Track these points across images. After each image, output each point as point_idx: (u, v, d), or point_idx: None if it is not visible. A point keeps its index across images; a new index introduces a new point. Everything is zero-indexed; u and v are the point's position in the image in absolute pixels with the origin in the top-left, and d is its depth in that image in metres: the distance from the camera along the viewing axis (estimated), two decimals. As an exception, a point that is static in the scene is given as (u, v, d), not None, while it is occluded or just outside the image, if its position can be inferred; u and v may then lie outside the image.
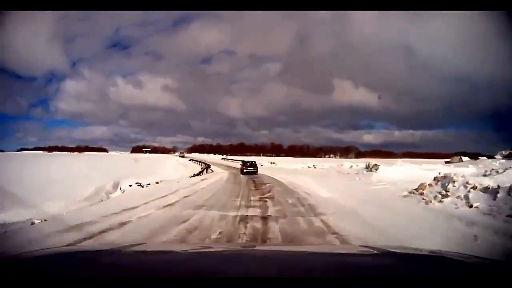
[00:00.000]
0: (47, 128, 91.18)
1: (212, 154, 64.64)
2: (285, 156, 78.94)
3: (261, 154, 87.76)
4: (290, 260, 1.36)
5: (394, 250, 1.59)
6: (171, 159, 35.97)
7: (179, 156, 57.02)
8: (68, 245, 3.82)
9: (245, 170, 21.27)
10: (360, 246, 2.73)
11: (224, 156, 55.39)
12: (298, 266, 1.18)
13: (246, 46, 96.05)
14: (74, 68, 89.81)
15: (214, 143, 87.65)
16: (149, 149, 55.20)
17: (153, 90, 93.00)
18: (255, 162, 23.41)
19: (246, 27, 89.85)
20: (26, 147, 79.03)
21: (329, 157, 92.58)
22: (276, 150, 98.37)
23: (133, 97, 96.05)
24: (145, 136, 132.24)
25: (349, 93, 78.09)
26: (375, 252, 1.58)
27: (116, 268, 1.08)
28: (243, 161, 24.39)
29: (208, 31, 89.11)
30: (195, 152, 71.15)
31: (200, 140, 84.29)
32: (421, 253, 1.60)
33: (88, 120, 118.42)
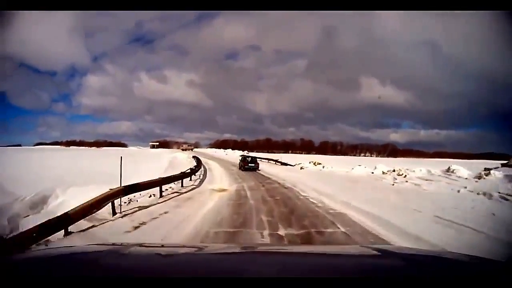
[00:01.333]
0: (71, 122, 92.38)
1: (230, 150, 57.14)
2: (316, 153, 71.61)
3: (290, 151, 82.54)
4: (290, 261, 1.39)
5: (394, 250, 1.65)
6: (168, 156, 30.09)
7: (182, 150, 51.93)
8: None
9: (245, 167, 20.10)
10: (360, 246, 2.80)
11: (245, 153, 47.36)
12: (298, 266, 1.20)
13: (271, 41, 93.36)
14: (96, 62, 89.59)
15: (239, 139, 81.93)
16: (157, 143, 50.08)
17: (178, 85, 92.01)
18: (255, 158, 22.19)
19: (271, 22, 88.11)
20: (44, 141, 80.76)
21: (364, 155, 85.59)
22: (306, 147, 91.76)
23: (158, 92, 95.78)
24: (171, 131, 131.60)
25: (376, 91, 75.64)
26: (375, 252, 1.58)
27: (116, 268, 1.08)
28: (243, 156, 22.95)
29: (232, 26, 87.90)
30: (218, 147, 64.64)
31: (227, 136, 79.17)
32: (421, 253, 1.65)
33: (113, 116, 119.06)
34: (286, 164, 22.95)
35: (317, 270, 1.09)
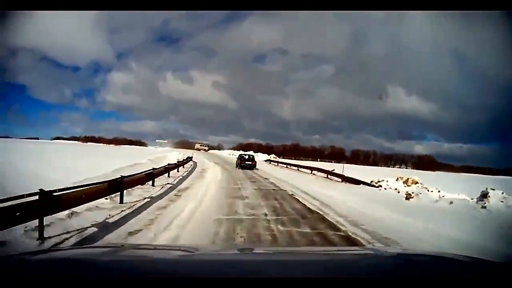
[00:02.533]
0: (94, 119, 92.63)
1: (250, 152, 48.67)
2: (346, 163, 63.60)
3: (318, 159, 74.12)
4: (290, 261, 1.38)
5: (394, 251, 1.69)
6: (161, 154, 23.71)
7: (197, 150, 46.59)
8: None
9: (242, 164, 19.81)
10: (360, 246, 2.87)
11: (272, 157, 39.92)
12: (297, 267, 1.19)
13: (299, 46, 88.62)
14: (120, 60, 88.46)
15: (264, 143, 76.42)
16: (166, 141, 45.18)
17: (203, 87, 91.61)
18: (253, 156, 22.15)
19: (299, 25, 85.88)
20: (62, 136, 77.81)
21: (399, 167, 76.70)
22: (337, 155, 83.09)
23: (183, 93, 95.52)
24: (195, 133, 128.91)
25: (401, 100, 71.53)
26: (375, 252, 1.60)
27: (116, 268, 1.08)
28: (240, 155, 22.28)
29: (260, 28, 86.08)
30: (244, 149, 58.80)
31: (251, 140, 76.01)
32: (421, 254, 1.64)
33: (137, 114, 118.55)
34: (353, 181, 12.45)
35: (317, 270, 1.10)
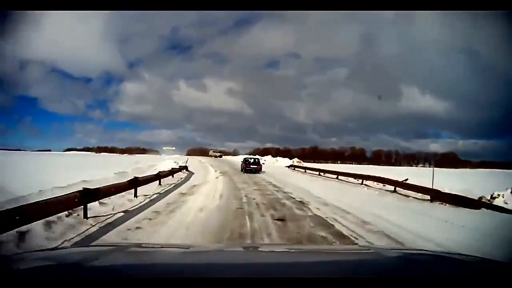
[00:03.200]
0: (108, 129, 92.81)
1: (269, 157, 43.09)
2: (368, 164, 58.77)
3: (338, 162, 70.48)
4: (290, 260, 1.39)
5: (394, 250, 1.66)
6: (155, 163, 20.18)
7: (211, 156, 43.06)
8: None
9: (247, 168, 18.78)
10: (360, 246, 2.80)
11: (296, 162, 34.27)
12: (298, 266, 1.19)
13: (311, 49, 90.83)
14: (132, 69, 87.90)
15: (282, 148, 73.79)
16: (173, 148, 42.12)
17: (217, 94, 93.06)
18: (258, 159, 20.99)
19: (310, 29, 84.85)
20: (75, 147, 76.78)
21: (422, 166, 72.34)
22: (357, 157, 78.66)
23: (197, 100, 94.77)
24: (212, 140, 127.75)
25: (416, 100, 70.97)
26: (375, 252, 1.59)
27: (116, 268, 1.08)
28: (245, 158, 20.88)
29: (271, 33, 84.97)
30: (261, 155, 54.51)
31: (268, 145, 75.13)
32: (421, 253, 1.63)
33: (152, 123, 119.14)
34: (455, 200, 7.57)
35: (317, 270, 1.10)
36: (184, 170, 17.00)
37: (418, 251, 1.79)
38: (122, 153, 72.56)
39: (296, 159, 38.62)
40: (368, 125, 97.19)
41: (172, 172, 13.65)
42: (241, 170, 19.40)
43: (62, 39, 58.36)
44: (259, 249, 2.07)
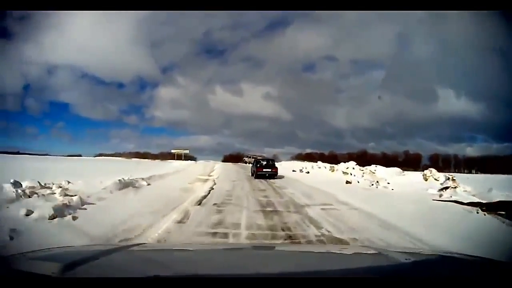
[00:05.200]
0: (144, 135, 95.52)
1: (319, 163, 33.13)
2: (441, 170, 48.94)
3: (391, 166, 60.92)
4: (290, 260, 1.41)
5: (394, 250, 1.60)
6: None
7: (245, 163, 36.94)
8: None
9: (259, 173, 15.24)
10: (360, 246, 2.84)
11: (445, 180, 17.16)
12: (298, 266, 1.20)
13: (347, 52, 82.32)
14: (166, 74, 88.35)
15: (327, 152, 67.39)
16: (187, 151, 36.59)
17: (254, 99, 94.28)
18: (273, 161, 17.10)
19: (344, 30, 79.43)
20: (105, 152, 75.11)
21: (470, 172, 62.63)
22: (412, 162, 68.49)
23: (234, 105, 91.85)
24: (251, 146, 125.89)
25: (452, 103, 64.05)
26: (375, 252, 1.58)
27: (116, 268, 1.09)
28: (256, 160, 17.96)
29: (306, 35, 79.42)
30: (303, 160, 47.54)
31: (307, 151, 70.38)
32: (421, 253, 1.66)
33: (189, 129, 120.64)
34: None
35: (317, 270, 1.09)
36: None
37: (418, 251, 1.79)
38: (154, 159, 70.73)
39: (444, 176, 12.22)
40: (406, 129, 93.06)
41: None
42: (252, 175, 16.31)
43: (92, 44, 58.82)
44: (259, 249, 2.06)
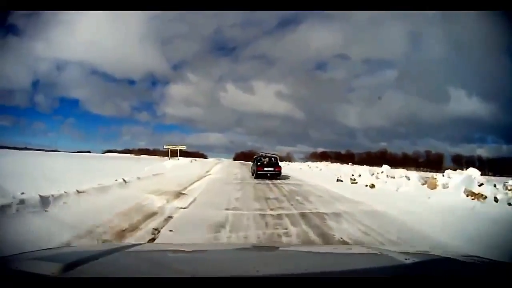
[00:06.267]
0: (156, 132, 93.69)
1: (356, 167, 26.95)
2: (444, 170, 46.76)
3: (421, 169, 59.61)
4: (290, 261, 1.39)
5: (394, 250, 1.62)
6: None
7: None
8: None
9: (259, 172, 13.42)
10: (360, 246, 2.74)
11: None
12: (298, 267, 1.18)
13: (359, 50, 79.33)
14: (177, 71, 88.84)
15: (343, 151, 65.33)
16: (183, 146, 34.08)
17: (266, 97, 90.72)
18: (276, 159, 14.77)
19: (356, 28, 74.56)
20: (114, 149, 75.01)
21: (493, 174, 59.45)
22: (432, 162, 65.96)
23: (246, 103, 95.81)
24: (263, 144, 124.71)
25: (464, 103, 60.25)
26: (375, 252, 1.58)
27: (116, 268, 1.08)
28: (256, 158, 15.24)
29: (317, 33, 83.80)
30: (316, 159, 45.40)
31: (320, 150, 69.22)
32: (420, 253, 1.63)
33: (201, 126, 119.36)
34: None
35: (318, 270, 1.08)
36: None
37: (419, 252, 1.77)
38: (164, 156, 68.97)
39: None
40: (418, 129, 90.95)
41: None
42: (252, 175, 14.73)
43: (102, 41, 57.21)
44: (259, 249, 2.06)
